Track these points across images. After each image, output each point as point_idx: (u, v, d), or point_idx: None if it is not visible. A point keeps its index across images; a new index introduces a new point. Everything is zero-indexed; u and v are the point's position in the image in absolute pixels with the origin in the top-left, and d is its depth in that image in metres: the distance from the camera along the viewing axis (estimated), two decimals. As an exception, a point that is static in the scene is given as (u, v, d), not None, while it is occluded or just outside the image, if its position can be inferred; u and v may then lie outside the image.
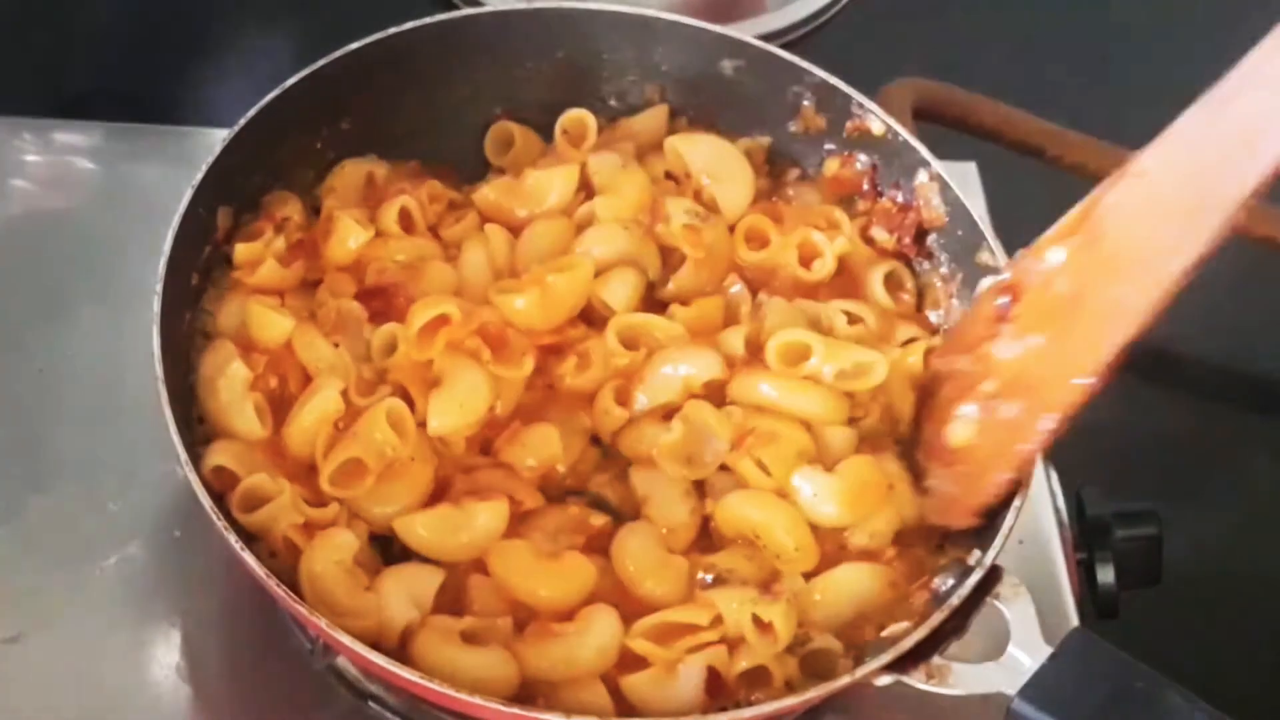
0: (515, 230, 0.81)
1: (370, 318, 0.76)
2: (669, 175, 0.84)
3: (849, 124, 0.83)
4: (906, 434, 0.77)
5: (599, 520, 0.73)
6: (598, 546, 0.73)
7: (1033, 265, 0.70)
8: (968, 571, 0.68)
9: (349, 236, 0.78)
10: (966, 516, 0.71)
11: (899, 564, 0.73)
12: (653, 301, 0.80)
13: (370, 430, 0.71)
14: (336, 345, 0.75)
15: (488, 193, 0.83)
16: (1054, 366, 0.67)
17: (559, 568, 0.71)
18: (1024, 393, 0.69)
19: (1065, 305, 0.68)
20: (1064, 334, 0.67)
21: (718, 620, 0.69)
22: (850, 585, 0.72)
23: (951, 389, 0.73)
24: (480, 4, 1.03)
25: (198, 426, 0.73)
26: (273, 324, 0.75)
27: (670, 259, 0.81)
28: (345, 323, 0.76)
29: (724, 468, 0.74)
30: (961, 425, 0.71)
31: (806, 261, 0.81)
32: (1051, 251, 0.69)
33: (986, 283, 0.74)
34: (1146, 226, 0.65)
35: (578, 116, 0.85)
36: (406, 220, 0.81)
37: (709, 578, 0.72)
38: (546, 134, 0.87)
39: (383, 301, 0.77)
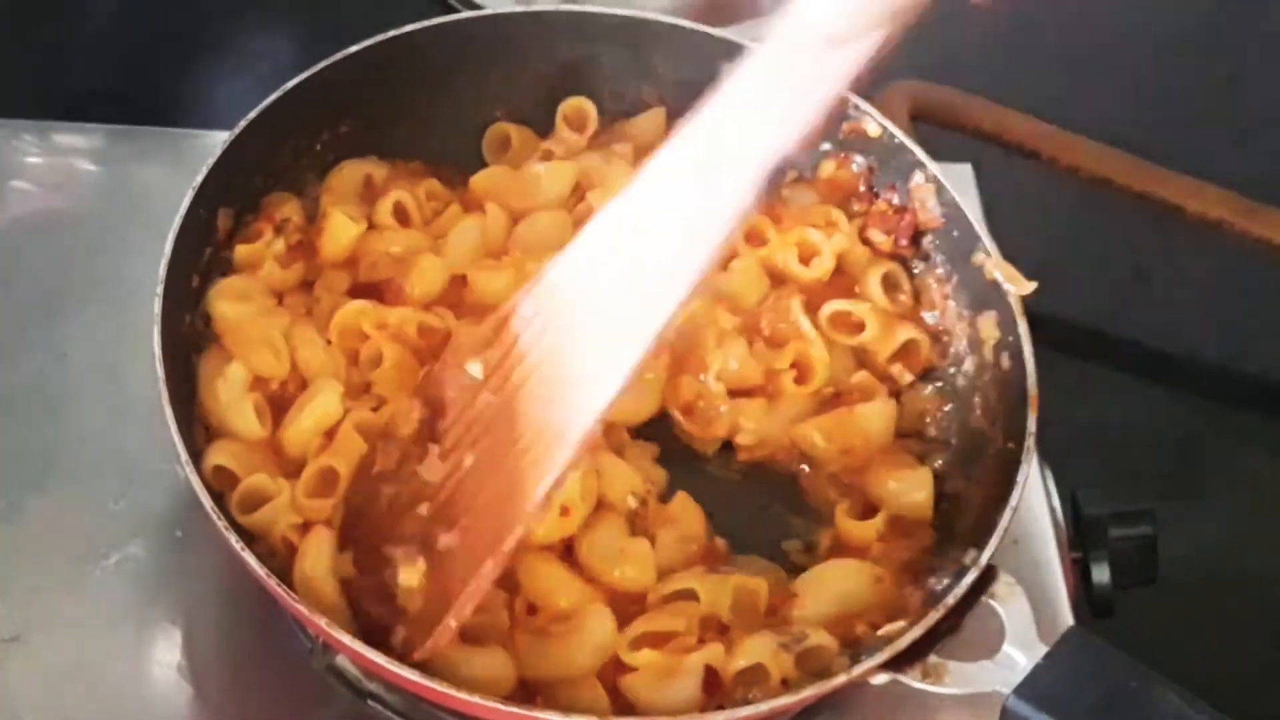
0: (512, 219, 0.82)
1: None
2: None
3: (845, 125, 0.84)
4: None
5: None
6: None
7: (452, 377, 0.65)
8: (963, 571, 0.68)
9: (341, 231, 0.79)
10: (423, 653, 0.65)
11: (885, 559, 0.73)
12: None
13: (344, 440, 0.72)
14: (329, 342, 0.76)
15: (485, 178, 0.84)
16: (491, 491, 0.63)
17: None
18: (463, 520, 0.64)
19: (492, 422, 0.63)
20: (496, 454, 0.63)
21: (700, 624, 0.70)
22: (835, 581, 0.72)
23: (386, 519, 0.67)
24: (479, 7, 1.03)
25: (198, 426, 0.73)
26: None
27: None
28: None
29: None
30: (405, 567, 0.65)
31: (805, 259, 0.81)
32: (470, 365, 0.64)
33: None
34: (560, 340, 0.61)
35: (577, 104, 0.86)
36: (402, 215, 0.81)
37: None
38: (545, 136, 0.87)
39: (374, 296, 0.78)
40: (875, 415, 0.78)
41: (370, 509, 0.69)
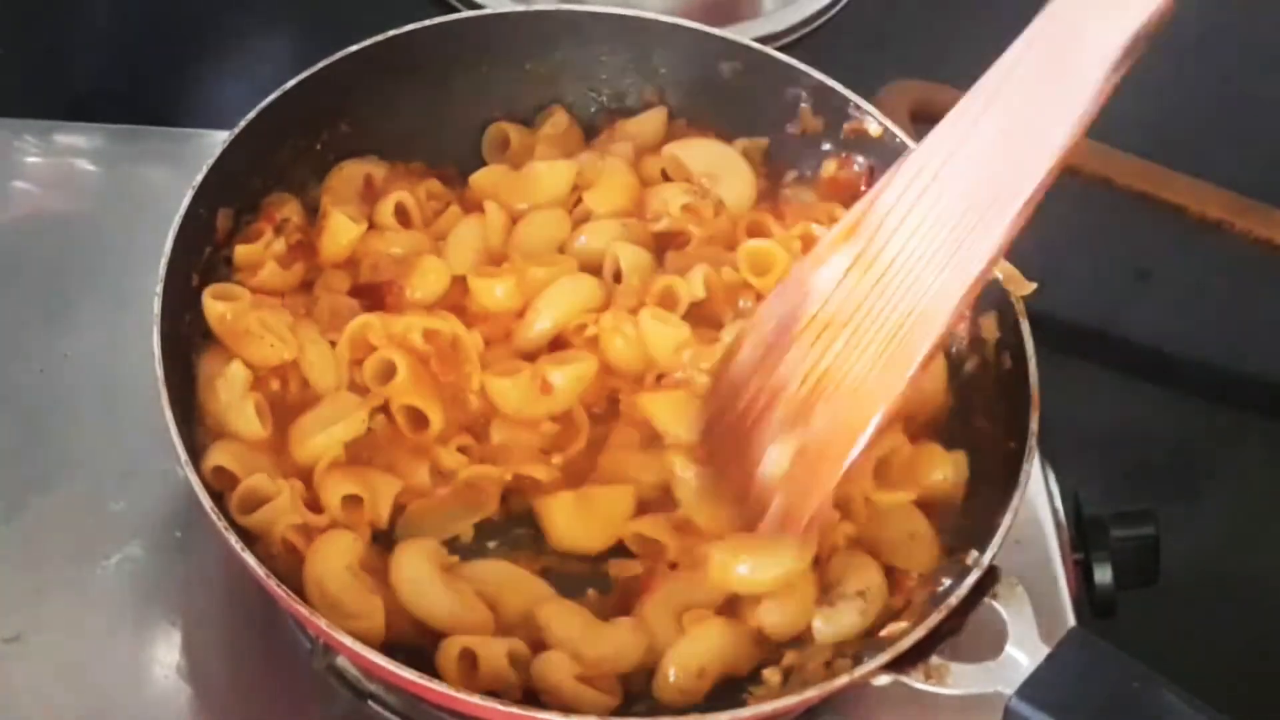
0: (511, 218, 0.82)
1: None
2: (666, 177, 0.85)
3: (846, 126, 0.84)
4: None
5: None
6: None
7: (814, 271, 0.68)
8: (965, 572, 0.68)
9: (341, 231, 0.78)
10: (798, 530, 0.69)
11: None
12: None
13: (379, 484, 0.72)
14: (333, 344, 0.75)
15: (484, 177, 0.84)
16: (859, 372, 0.66)
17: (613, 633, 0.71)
18: (830, 402, 0.67)
19: (860, 310, 0.66)
20: (863, 339, 0.66)
21: None
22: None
23: (740, 421, 0.70)
24: (479, 6, 1.03)
25: (198, 426, 0.73)
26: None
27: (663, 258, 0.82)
28: (339, 319, 0.76)
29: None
30: (775, 455, 0.68)
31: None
32: (835, 257, 0.67)
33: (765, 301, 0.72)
34: (920, 236, 0.65)
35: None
36: (404, 216, 0.81)
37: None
38: (545, 136, 0.87)
39: (375, 299, 0.78)
40: (930, 375, 0.77)
41: (730, 411, 0.70)
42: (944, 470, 0.75)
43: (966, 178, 0.63)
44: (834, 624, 0.70)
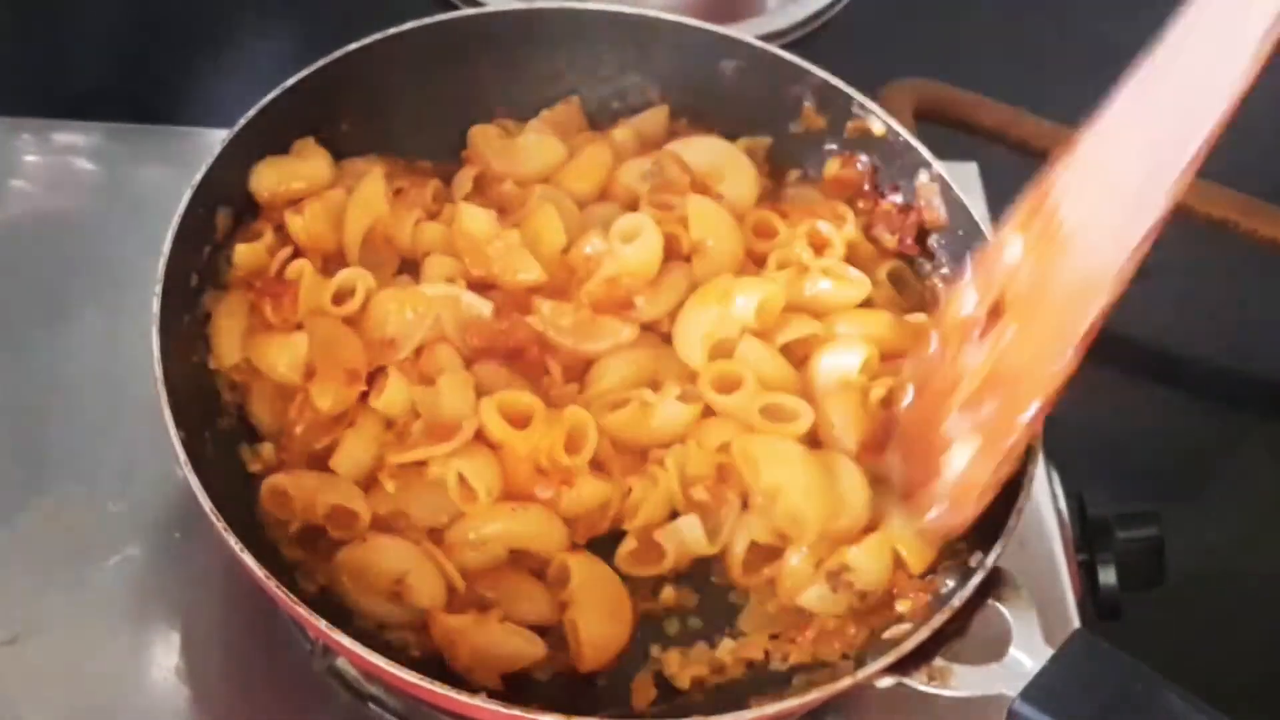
0: (501, 182, 0.82)
1: None
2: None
3: (849, 124, 0.83)
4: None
5: None
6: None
7: (993, 262, 0.69)
8: (969, 573, 0.68)
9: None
10: (965, 524, 0.70)
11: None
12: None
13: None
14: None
15: (480, 133, 0.83)
16: (1027, 356, 0.67)
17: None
18: (1000, 390, 0.67)
19: (1031, 294, 0.67)
20: (1033, 321, 0.67)
21: None
22: None
23: (922, 412, 0.71)
24: (480, 4, 1.03)
25: (200, 423, 0.73)
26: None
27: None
28: None
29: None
30: (960, 448, 0.69)
31: (816, 249, 0.80)
32: (1010, 245, 0.68)
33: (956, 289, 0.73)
34: (1098, 205, 0.65)
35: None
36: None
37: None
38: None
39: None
40: None
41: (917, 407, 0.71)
42: None
43: (1140, 143, 0.64)
44: (824, 603, 0.71)
